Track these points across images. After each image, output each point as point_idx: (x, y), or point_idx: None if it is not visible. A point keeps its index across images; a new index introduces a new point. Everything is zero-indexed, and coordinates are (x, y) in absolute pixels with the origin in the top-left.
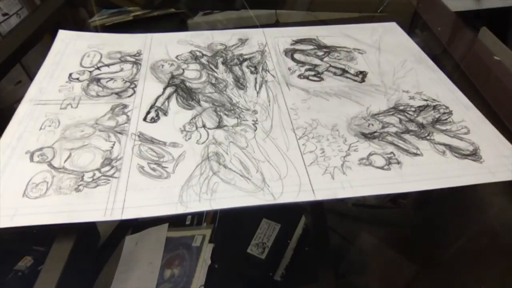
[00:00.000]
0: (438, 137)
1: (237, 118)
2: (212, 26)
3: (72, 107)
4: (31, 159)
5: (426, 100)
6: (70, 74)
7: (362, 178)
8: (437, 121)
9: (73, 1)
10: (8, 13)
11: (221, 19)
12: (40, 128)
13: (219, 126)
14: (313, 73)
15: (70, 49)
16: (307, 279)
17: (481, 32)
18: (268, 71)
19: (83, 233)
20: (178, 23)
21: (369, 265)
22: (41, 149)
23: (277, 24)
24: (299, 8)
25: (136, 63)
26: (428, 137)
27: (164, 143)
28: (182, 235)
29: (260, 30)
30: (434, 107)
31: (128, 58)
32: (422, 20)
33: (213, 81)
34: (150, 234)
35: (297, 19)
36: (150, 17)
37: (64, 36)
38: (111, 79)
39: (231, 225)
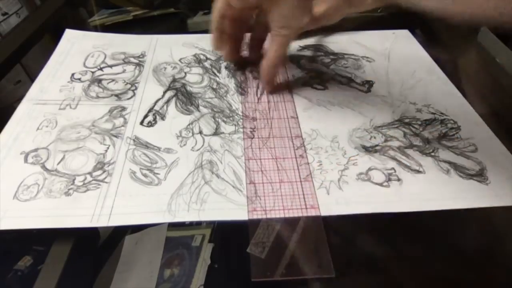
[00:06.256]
0: (443, 154)
1: (235, 125)
2: None
3: (71, 107)
4: (25, 160)
5: (433, 114)
6: (73, 74)
7: (359, 194)
8: (443, 136)
9: (73, 1)
10: (8, 13)
11: None
12: (37, 129)
13: (216, 133)
14: (317, 81)
15: (75, 48)
16: (307, 279)
17: (481, 32)
18: None
19: (83, 233)
20: (178, 23)
21: (369, 265)
22: (36, 150)
23: None
24: None
25: (139, 64)
26: (432, 154)
27: (159, 149)
28: (181, 235)
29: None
30: (442, 121)
31: (132, 60)
32: (423, 21)
33: (214, 86)
34: (149, 234)
35: None
36: (149, 17)
37: (70, 36)
38: (113, 80)
39: (231, 224)
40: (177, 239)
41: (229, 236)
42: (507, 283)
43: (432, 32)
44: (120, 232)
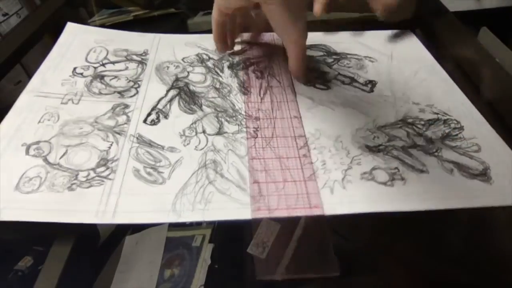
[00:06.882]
0: (447, 153)
1: (238, 125)
2: None
3: (73, 102)
4: (27, 152)
5: (436, 114)
6: (75, 69)
7: (363, 193)
8: (446, 136)
9: (73, 1)
10: (8, 13)
11: None
12: (39, 121)
13: (219, 132)
14: (320, 80)
15: (76, 42)
16: (307, 279)
17: (481, 32)
18: (274, 77)
19: (83, 233)
20: (178, 23)
21: (370, 265)
22: (38, 142)
23: None
24: None
25: (142, 62)
26: (436, 153)
27: (162, 147)
28: (182, 235)
29: (270, 34)
30: (445, 121)
31: (134, 57)
32: (423, 21)
33: (217, 86)
34: (150, 234)
35: None
36: (150, 17)
37: (71, 29)
38: (115, 77)
39: (231, 224)
40: (178, 239)
41: (229, 236)
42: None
43: (432, 32)
44: (120, 232)
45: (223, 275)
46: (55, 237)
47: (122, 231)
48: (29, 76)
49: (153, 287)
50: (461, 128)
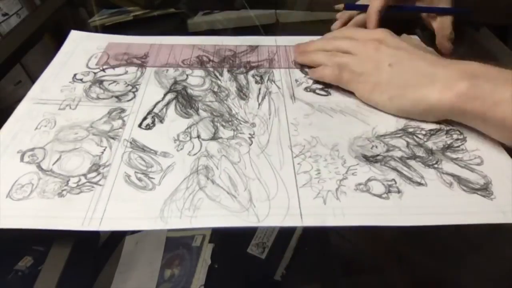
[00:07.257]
0: (447, 166)
1: (234, 130)
2: (212, 26)
3: (70, 108)
4: (22, 159)
5: (439, 124)
6: (75, 75)
7: (356, 206)
8: (448, 147)
9: (73, 1)
10: (8, 13)
11: (221, 19)
12: (36, 128)
13: (214, 137)
14: (320, 86)
15: (79, 49)
16: (307, 279)
17: (481, 32)
18: (274, 82)
19: (83, 233)
20: (178, 23)
21: (370, 265)
22: (33, 149)
23: (277, 24)
24: (299, 8)
25: (142, 66)
26: (435, 165)
27: (155, 152)
28: (182, 235)
29: (272, 38)
30: (447, 132)
31: (135, 61)
32: (423, 20)
33: (215, 89)
34: (150, 234)
35: (297, 19)
36: (150, 17)
37: (75, 37)
38: (114, 81)
39: None
40: (178, 239)
41: (229, 236)
42: None
43: (432, 32)
44: (120, 233)
45: (223, 275)
46: (55, 237)
47: (122, 231)
48: (29, 76)
49: (153, 287)
50: (464, 139)
